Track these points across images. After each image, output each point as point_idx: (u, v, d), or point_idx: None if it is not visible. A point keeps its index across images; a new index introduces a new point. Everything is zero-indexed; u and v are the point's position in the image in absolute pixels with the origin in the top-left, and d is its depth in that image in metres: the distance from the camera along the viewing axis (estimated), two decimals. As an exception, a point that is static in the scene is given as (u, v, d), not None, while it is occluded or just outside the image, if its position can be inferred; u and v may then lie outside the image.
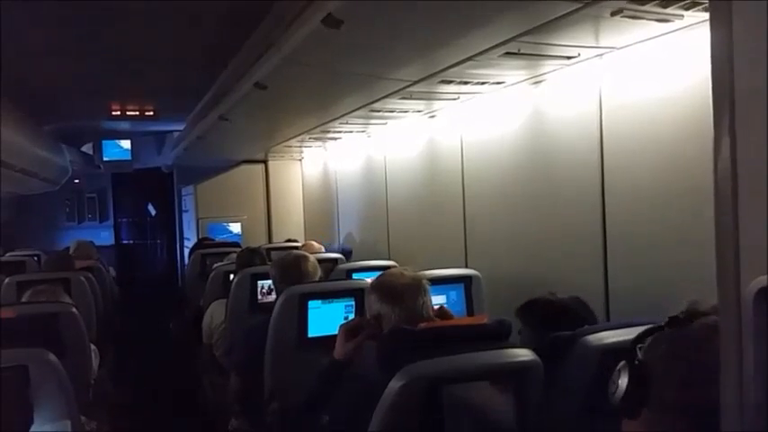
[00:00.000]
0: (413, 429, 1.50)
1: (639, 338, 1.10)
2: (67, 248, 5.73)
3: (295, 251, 3.48)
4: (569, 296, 1.99)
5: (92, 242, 5.91)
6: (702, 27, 2.11)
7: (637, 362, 1.06)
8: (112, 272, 6.74)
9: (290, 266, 2.95)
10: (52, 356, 1.81)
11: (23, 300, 2.95)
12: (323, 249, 4.96)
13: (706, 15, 1.99)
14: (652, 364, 1.05)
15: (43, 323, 2.52)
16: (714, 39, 0.74)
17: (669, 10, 2.00)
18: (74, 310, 2.68)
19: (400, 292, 1.93)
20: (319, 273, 3.02)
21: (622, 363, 1.07)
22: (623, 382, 1.05)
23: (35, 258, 5.80)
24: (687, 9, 1.98)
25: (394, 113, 4.11)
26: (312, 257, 3.07)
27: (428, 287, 1.99)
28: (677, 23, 2.13)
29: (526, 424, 1.60)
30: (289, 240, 6.24)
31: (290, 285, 2.77)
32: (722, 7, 0.72)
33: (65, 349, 2.41)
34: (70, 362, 2.12)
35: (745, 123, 0.70)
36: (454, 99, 3.62)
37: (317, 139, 5.73)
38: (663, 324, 1.10)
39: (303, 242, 5.70)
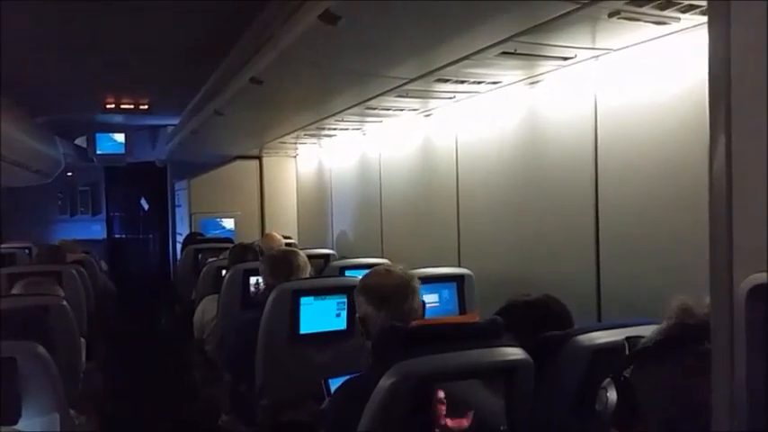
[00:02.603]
0: (403, 427, 1.49)
1: (629, 360, 1.08)
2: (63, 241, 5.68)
3: (285, 247, 3.47)
4: (543, 294, 1.99)
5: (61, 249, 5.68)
6: (699, 30, 2.11)
7: (623, 378, 1.05)
8: (104, 266, 6.70)
9: (280, 262, 2.95)
10: (41, 349, 1.80)
11: (14, 291, 2.93)
12: (283, 243, 4.90)
13: (703, 18, 2.00)
14: (640, 389, 1.03)
15: (33, 316, 2.49)
16: (712, 39, 0.74)
17: (666, 12, 2.00)
18: (64, 302, 2.67)
19: (388, 295, 1.91)
20: (309, 269, 3.01)
21: (608, 380, 1.06)
22: (612, 396, 1.04)
23: (26, 251, 5.77)
24: (684, 12, 1.99)
25: (389, 111, 4.11)
26: (302, 253, 3.07)
27: (417, 286, 1.97)
28: (674, 26, 2.13)
29: (516, 422, 1.60)
30: (283, 237, 6.22)
31: (279, 281, 2.76)
32: (720, 8, 0.72)
33: (54, 342, 2.38)
34: (60, 355, 2.11)
35: (742, 124, 0.70)
36: (450, 98, 3.62)
37: (311, 135, 5.72)
38: (650, 345, 1.07)
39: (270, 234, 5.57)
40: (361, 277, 2.10)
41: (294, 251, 3.08)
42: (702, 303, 1.04)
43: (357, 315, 1.98)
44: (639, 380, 1.05)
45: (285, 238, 6.12)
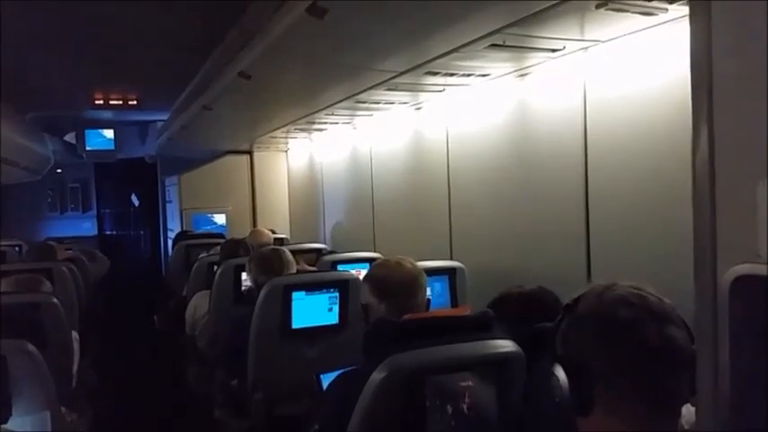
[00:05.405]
0: (395, 420, 1.50)
1: (561, 337, 1.09)
2: (48, 239, 5.63)
3: (271, 246, 3.44)
4: (536, 286, 2.00)
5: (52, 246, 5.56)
6: (686, 21, 2.11)
7: (563, 353, 1.05)
8: (99, 254, 6.67)
9: (266, 261, 2.94)
10: (31, 347, 1.80)
11: (1, 289, 2.91)
12: (271, 237, 4.89)
13: (689, 9, 2.00)
14: (580, 354, 1.04)
15: (24, 313, 2.48)
16: (693, 30, 0.74)
17: (653, 3, 2.00)
18: (55, 300, 2.65)
19: (394, 290, 1.92)
20: (294, 266, 3.02)
21: (555, 364, 1.07)
22: (562, 377, 1.04)
23: (16, 249, 5.73)
24: (671, 2, 1.99)
25: (380, 105, 4.10)
26: (287, 251, 3.07)
27: (424, 282, 1.98)
28: (661, 17, 2.13)
29: (508, 415, 1.61)
30: (271, 232, 6.20)
31: (267, 279, 2.76)
32: (702, -1, 0.72)
33: (46, 340, 2.38)
34: (51, 352, 2.10)
35: (723, 115, 0.71)
36: (440, 91, 3.61)
37: (302, 130, 5.71)
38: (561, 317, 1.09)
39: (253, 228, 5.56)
40: (353, 271, 2.11)
41: (280, 250, 3.08)
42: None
43: (361, 302, 1.98)
44: (577, 345, 1.07)
45: (273, 232, 6.11)
